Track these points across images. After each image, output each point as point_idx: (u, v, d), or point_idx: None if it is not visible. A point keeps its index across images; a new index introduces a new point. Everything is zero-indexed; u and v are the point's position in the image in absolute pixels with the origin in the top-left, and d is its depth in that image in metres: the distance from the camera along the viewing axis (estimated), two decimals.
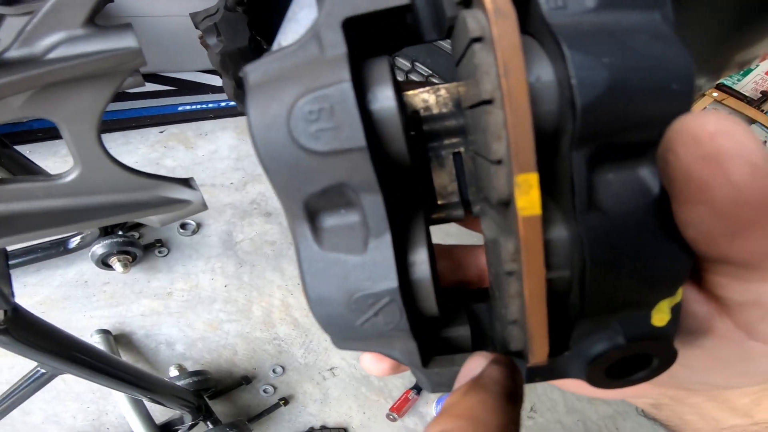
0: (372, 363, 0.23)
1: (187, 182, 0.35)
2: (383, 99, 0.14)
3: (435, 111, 0.18)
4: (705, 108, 4.15)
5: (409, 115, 0.18)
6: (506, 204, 0.14)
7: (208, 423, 0.94)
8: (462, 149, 0.19)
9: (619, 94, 0.12)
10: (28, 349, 0.51)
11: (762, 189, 0.11)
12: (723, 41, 0.52)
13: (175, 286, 1.30)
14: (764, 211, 0.11)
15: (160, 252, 1.34)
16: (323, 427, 1.15)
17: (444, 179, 0.19)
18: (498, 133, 0.13)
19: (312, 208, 0.15)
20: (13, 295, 0.49)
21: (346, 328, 0.16)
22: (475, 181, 0.19)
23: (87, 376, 0.63)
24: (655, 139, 0.13)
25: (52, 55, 0.27)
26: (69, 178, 0.31)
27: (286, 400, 1.15)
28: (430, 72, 0.71)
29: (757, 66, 4.11)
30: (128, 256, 1.21)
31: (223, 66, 0.44)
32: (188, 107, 1.91)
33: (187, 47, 1.70)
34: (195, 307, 1.27)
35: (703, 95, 4.08)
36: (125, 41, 0.28)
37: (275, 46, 0.16)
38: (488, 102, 0.13)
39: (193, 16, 0.56)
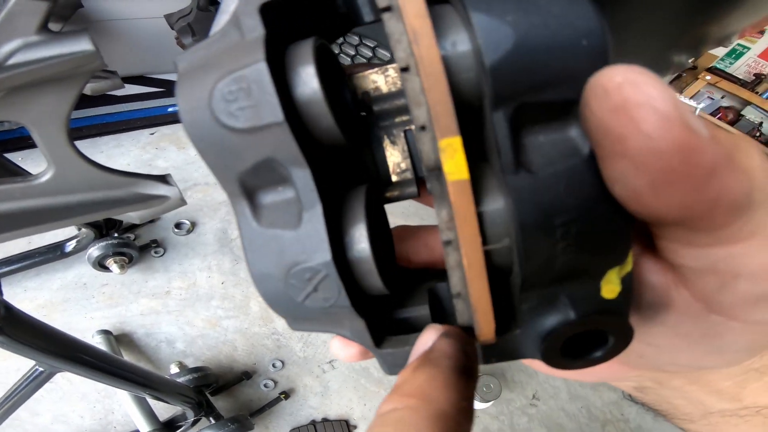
0: (339, 348, 0.22)
1: (163, 178, 0.37)
2: (305, 77, 0.14)
3: (384, 90, 0.18)
4: (699, 90, 4.12)
5: (361, 97, 0.18)
6: (437, 170, 0.14)
7: (210, 418, 0.95)
8: (413, 126, 0.18)
9: (527, 51, 0.12)
10: (23, 347, 0.52)
11: (675, 138, 0.10)
12: (691, 15, 0.52)
13: (173, 284, 1.32)
14: (679, 159, 0.11)
15: (156, 252, 1.36)
16: (325, 420, 1.16)
17: (397, 157, 0.19)
18: (417, 99, 0.13)
19: (248, 186, 0.16)
20: (1, 293, 0.51)
21: (291, 305, 0.16)
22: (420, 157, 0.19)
23: (85, 373, 0.64)
24: (576, 97, 0.12)
25: (11, 62, 0.28)
26: (44, 179, 0.32)
27: (286, 394, 1.17)
28: (376, 43, 0.69)
29: (749, 49, 4.08)
30: (124, 258, 1.22)
31: None
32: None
33: (171, 48, 1.69)
34: (193, 305, 1.29)
35: (696, 78, 4.04)
36: (81, 45, 0.30)
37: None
38: (405, 69, 0.13)
39: (168, 17, 0.56)
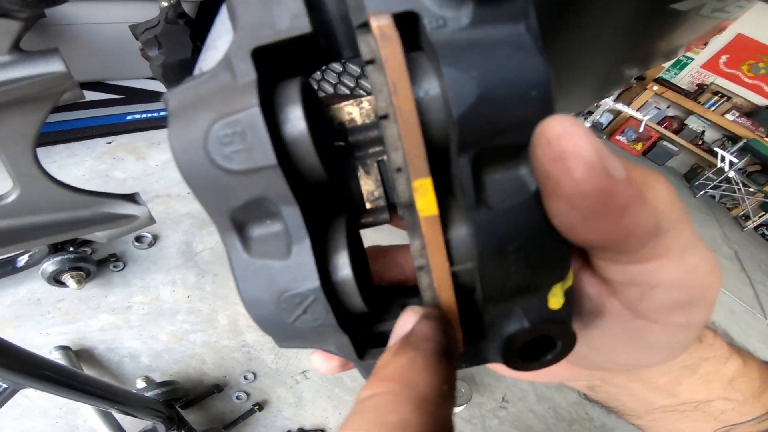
0: (320, 362, 0.23)
1: (132, 197, 0.36)
2: (293, 119, 0.15)
3: (359, 122, 0.19)
4: (647, 101, 4.40)
5: (336, 127, 0.19)
6: (411, 206, 0.16)
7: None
8: (385, 157, 0.20)
9: (487, 103, 0.14)
10: None
11: (596, 183, 0.13)
12: (640, 33, 0.56)
13: (134, 299, 1.27)
14: (600, 201, 0.13)
15: (115, 266, 1.31)
16: (301, 430, 1.15)
17: (371, 185, 0.20)
18: (395, 145, 0.15)
19: (239, 221, 0.16)
20: None
21: (281, 327, 0.17)
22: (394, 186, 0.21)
23: (50, 389, 0.62)
24: (526, 141, 0.14)
25: None
26: (9, 200, 0.32)
27: (260, 406, 1.15)
28: (359, 72, 0.70)
29: (692, 60, 4.38)
30: (81, 272, 1.17)
31: (166, 77, 0.44)
32: (138, 116, 1.84)
33: (133, 56, 1.64)
34: (157, 320, 1.25)
35: (645, 88, 4.29)
36: (53, 66, 0.30)
37: (196, 71, 0.17)
38: (385, 117, 0.15)
39: (133, 28, 0.55)
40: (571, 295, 0.17)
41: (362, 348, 0.19)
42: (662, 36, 0.59)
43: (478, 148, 0.14)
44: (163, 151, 1.80)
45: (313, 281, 0.16)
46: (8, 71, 0.28)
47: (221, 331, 1.28)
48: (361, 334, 0.20)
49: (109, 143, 1.70)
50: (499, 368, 0.23)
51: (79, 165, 1.58)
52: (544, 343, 0.18)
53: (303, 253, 0.16)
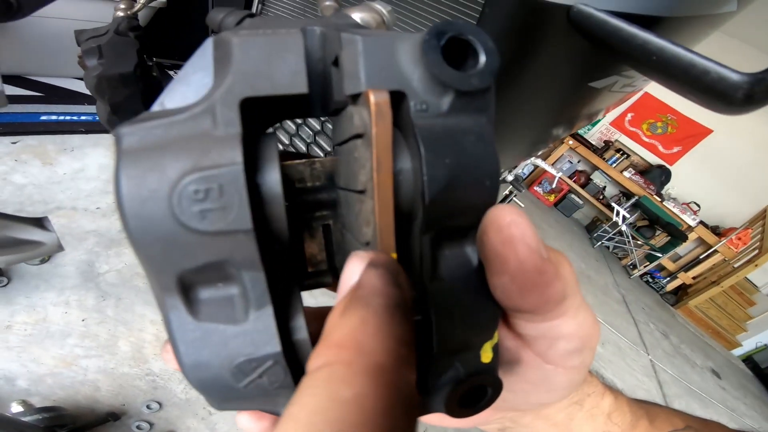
0: (250, 422, 0.22)
1: (40, 222, 0.36)
2: (271, 182, 0.15)
3: (308, 184, 0.19)
4: (562, 154, 4.79)
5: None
6: None
7: None
8: (331, 222, 0.20)
9: (453, 188, 0.14)
10: None
11: (535, 263, 0.16)
12: (562, 105, 0.67)
13: (16, 318, 1.13)
14: (537, 277, 0.16)
15: None
16: None
17: (314, 249, 0.20)
18: (368, 219, 0.15)
19: (186, 282, 0.15)
20: None
21: (227, 391, 0.16)
22: (342, 251, 0.20)
23: None
24: (475, 223, 0.16)
25: None
26: None
27: None
28: (323, 121, 0.69)
29: (603, 117, 4.84)
30: None
31: (99, 89, 0.41)
32: (54, 117, 1.69)
33: (66, 55, 1.51)
34: (42, 342, 1.11)
35: (562, 142, 4.71)
36: None
37: (157, 107, 0.15)
38: (361, 192, 0.15)
39: (78, 33, 0.51)
40: (497, 350, 0.20)
41: None
42: (583, 106, 0.71)
43: (438, 228, 0.16)
44: (76, 158, 1.66)
45: (274, 347, 0.15)
46: None
47: (121, 358, 1.18)
48: None
49: (14, 143, 1.54)
50: (433, 419, 0.25)
51: None
52: (477, 392, 0.20)
53: (263, 319, 0.15)
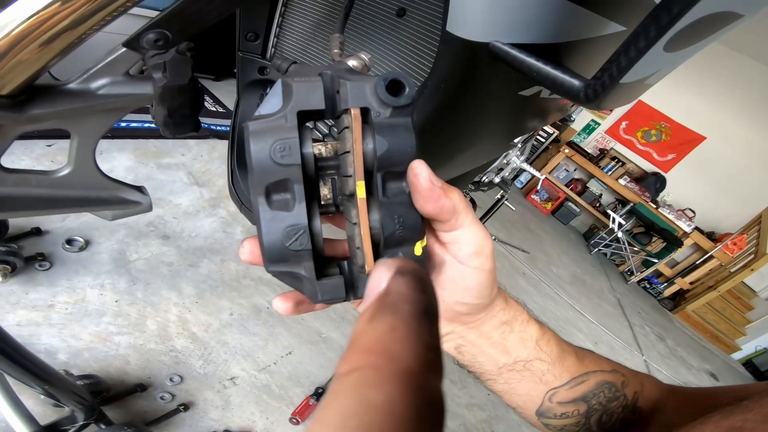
0: (280, 302, 0.30)
1: (141, 189, 0.49)
2: (307, 150, 0.26)
3: (324, 155, 0.29)
4: (559, 163, 4.78)
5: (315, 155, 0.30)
6: (352, 195, 0.26)
7: (101, 425, 0.93)
8: (335, 176, 0.31)
9: (391, 153, 0.26)
10: None
11: (429, 186, 0.26)
12: (506, 110, 0.77)
13: (58, 299, 1.26)
14: (431, 194, 0.26)
15: (41, 266, 1.30)
16: (227, 431, 1.18)
17: (326, 191, 0.31)
18: (350, 163, 0.26)
19: (268, 190, 0.26)
20: None
21: (278, 250, 0.26)
22: (341, 193, 0.30)
23: None
24: (405, 170, 0.27)
25: (101, 92, 0.41)
26: (60, 174, 0.42)
27: (186, 406, 1.17)
28: (330, 125, 0.99)
29: (599, 125, 4.85)
30: (7, 266, 1.17)
31: (162, 97, 0.50)
32: None
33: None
34: (81, 320, 1.24)
35: (552, 147, 4.61)
36: (144, 89, 0.45)
37: (258, 113, 0.27)
38: (347, 152, 0.26)
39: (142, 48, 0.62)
40: (426, 249, 0.29)
41: (319, 274, 0.29)
42: (524, 110, 0.83)
43: (385, 170, 0.27)
44: (104, 160, 1.81)
45: (304, 221, 0.26)
46: (118, 88, 0.41)
47: (149, 336, 1.30)
48: (320, 271, 0.29)
49: (49, 146, 1.69)
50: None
51: (15, 163, 1.55)
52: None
53: (300, 209, 0.26)
